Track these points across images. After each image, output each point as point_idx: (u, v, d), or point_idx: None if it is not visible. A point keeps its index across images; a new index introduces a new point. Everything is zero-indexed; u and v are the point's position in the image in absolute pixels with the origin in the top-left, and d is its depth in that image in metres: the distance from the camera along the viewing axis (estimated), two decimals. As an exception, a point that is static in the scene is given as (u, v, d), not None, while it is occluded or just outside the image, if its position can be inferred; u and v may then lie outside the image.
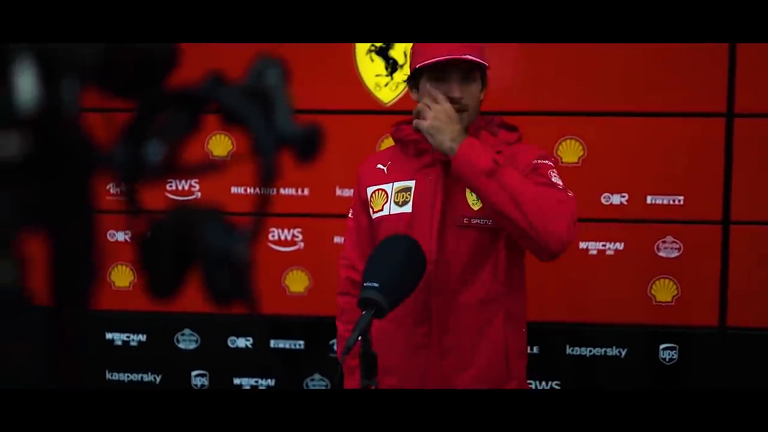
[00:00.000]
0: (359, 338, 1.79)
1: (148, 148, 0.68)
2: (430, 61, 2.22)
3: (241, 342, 3.38)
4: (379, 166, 2.36)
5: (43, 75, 0.56)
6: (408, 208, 2.27)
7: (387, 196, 2.31)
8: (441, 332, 2.27)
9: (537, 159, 2.26)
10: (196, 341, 3.40)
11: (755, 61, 3.11)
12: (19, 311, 0.52)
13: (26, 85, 0.53)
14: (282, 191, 3.26)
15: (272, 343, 3.37)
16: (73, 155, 0.60)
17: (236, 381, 3.41)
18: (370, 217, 2.35)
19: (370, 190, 2.35)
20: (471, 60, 2.20)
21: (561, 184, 2.22)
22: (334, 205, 3.25)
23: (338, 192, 3.26)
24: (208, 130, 0.74)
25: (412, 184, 2.29)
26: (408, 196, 2.28)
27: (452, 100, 2.21)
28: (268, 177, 0.75)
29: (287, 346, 3.37)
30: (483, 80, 2.30)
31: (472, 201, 2.26)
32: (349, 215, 2.44)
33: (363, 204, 2.37)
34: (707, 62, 3.13)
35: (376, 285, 1.86)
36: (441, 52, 2.22)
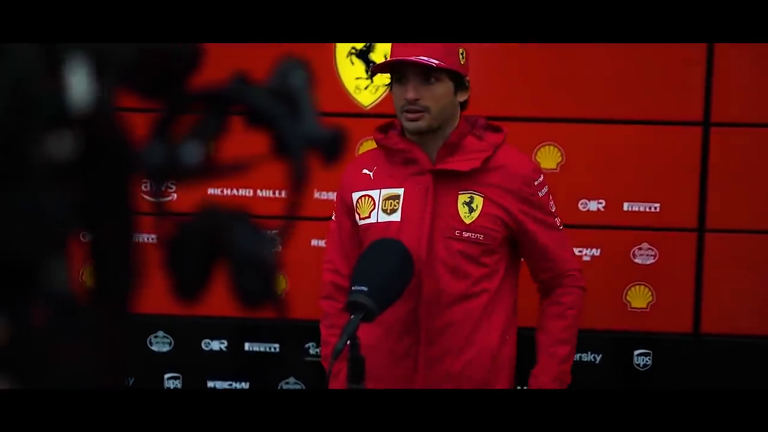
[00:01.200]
0: (348, 342, 1.79)
1: (185, 150, 0.67)
2: (382, 63, 2.29)
3: (215, 345, 3.36)
4: (365, 171, 2.35)
5: (91, 74, 0.55)
6: (396, 217, 2.26)
7: (374, 203, 2.30)
8: (428, 342, 2.26)
9: (539, 191, 2.34)
10: (170, 344, 3.37)
11: (732, 71, 3.15)
12: (73, 312, 0.51)
13: (79, 84, 0.52)
14: (259, 193, 3.24)
15: (247, 346, 3.35)
16: (117, 156, 0.59)
17: (210, 384, 3.38)
18: (355, 221, 2.34)
19: (356, 195, 2.34)
20: (421, 62, 2.20)
21: (556, 211, 2.40)
22: (312, 208, 3.23)
23: (316, 195, 3.25)
24: (233, 131, 0.73)
25: (400, 192, 2.28)
26: (396, 204, 2.27)
27: (407, 101, 2.22)
28: (299, 179, 0.75)
29: (262, 349, 3.35)
30: (458, 82, 2.29)
31: (464, 214, 2.26)
32: (332, 218, 2.42)
33: (347, 208, 2.36)
34: (685, 72, 3.16)
35: (364, 289, 1.85)
36: (396, 53, 2.25)
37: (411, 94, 2.22)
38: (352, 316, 1.82)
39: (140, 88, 0.72)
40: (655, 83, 3.16)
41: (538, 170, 2.39)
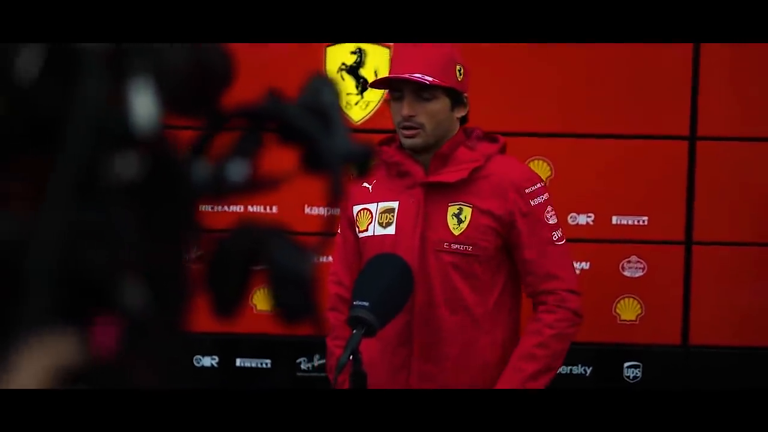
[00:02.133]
0: (350, 357, 1.79)
1: (230, 167, 0.68)
2: (378, 80, 2.32)
3: (207, 361, 3.35)
4: (365, 184, 2.36)
5: (154, 95, 0.56)
6: (391, 230, 2.27)
7: (372, 216, 2.31)
8: (421, 355, 2.27)
9: (531, 199, 2.28)
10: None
11: (717, 87, 3.19)
12: (144, 331, 0.52)
13: (144, 104, 0.53)
14: (250, 209, 3.25)
15: (238, 362, 3.35)
16: (176, 176, 0.59)
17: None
18: (356, 234, 2.35)
19: (356, 209, 2.36)
20: (414, 80, 2.22)
21: (555, 224, 2.32)
22: (303, 224, 3.24)
23: (307, 210, 3.26)
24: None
25: (395, 205, 2.30)
26: (391, 218, 2.29)
27: (403, 118, 2.24)
28: (337, 195, 0.76)
29: (253, 365, 3.34)
30: (455, 98, 2.30)
31: (453, 225, 2.27)
32: (338, 231, 2.44)
33: (349, 221, 2.38)
34: (671, 86, 3.20)
35: (366, 304, 1.86)
36: (393, 70, 2.27)
37: (406, 111, 2.24)
38: (354, 331, 1.83)
39: (178, 106, 0.73)
40: (642, 98, 3.20)
41: (533, 179, 2.36)
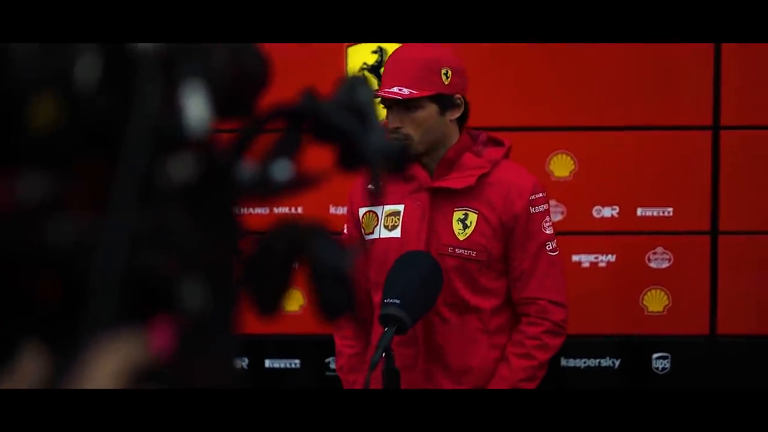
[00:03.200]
0: (383, 355, 1.80)
1: (275, 167, 0.69)
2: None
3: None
4: (369, 186, 2.36)
5: (206, 97, 0.57)
6: (397, 233, 2.28)
7: (377, 219, 2.32)
8: (427, 357, 2.27)
9: (532, 206, 2.28)
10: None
11: (740, 75, 3.18)
12: (206, 332, 0.53)
13: (196, 107, 0.54)
14: (275, 210, 3.26)
15: (267, 363, 3.36)
16: (227, 177, 0.61)
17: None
18: (363, 235, 2.36)
19: (362, 211, 2.37)
20: (387, 96, 2.23)
21: (551, 235, 2.30)
22: (329, 224, 3.25)
23: (332, 210, 3.27)
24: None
25: (401, 208, 2.30)
26: (397, 221, 2.30)
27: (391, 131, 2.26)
28: (377, 193, 0.77)
29: (283, 366, 3.36)
30: (442, 102, 2.28)
31: (458, 230, 2.28)
32: (344, 231, 2.45)
33: (355, 222, 2.39)
34: (693, 76, 3.19)
35: (397, 301, 1.87)
36: (381, 84, 2.30)
37: (391, 123, 2.27)
38: (385, 329, 1.84)
39: (224, 109, 0.75)
40: (664, 89, 3.19)
41: (536, 187, 2.34)
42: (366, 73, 3.23)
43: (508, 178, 2.31)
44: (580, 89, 3.21)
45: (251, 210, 0.77)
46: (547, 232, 2.32)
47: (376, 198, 0.77)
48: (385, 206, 2.33)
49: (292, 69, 3.03)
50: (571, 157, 3.23)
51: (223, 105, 0.76)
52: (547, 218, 2.33)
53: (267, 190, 0.69)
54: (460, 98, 2.31)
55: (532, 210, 2.29)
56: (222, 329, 0.59)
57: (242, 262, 0.75)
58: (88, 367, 0.47)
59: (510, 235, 2.30)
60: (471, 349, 2.28)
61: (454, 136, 2.33)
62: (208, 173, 0.57)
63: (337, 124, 0.77)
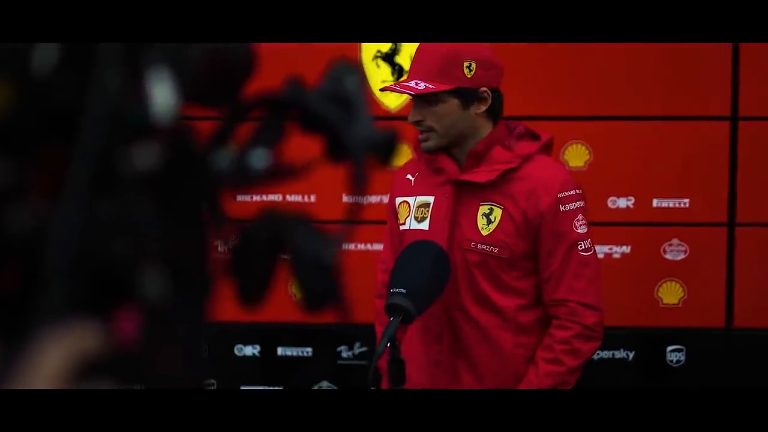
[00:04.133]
0: (388, 345, 1.80)
1: (253, 156, 0.68)
2: (385, 89, 2.35)
3: (248, 350, 3.38)
4: (408, 176, 2.36)
5: (172, 84, 0.56)
6: (425, 225, 2.26)
7: (409, 210, 2.31)
8: (451, 354, 2.24)
9: (561, 204, 2.20)
10: (204, 350, 3.39)
11: (759, 65, 3.14)
12: (166, 321, 0.52)
13: (162, 94, 0.53)
14: (288, 198, 3.26)
15: (279, 351, 3.37)
16: (196, 165, 0.60)
17: (244, 389, 3.40)
18: (398, 225, 2.36)
19: (398, 200, 2.36)
20: (400, 92, 2.24)
21: (584, 234, 2.22)
22: (342, 212, 3.25)
23: (345, 199, 3.26)
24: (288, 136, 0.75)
25: (431, 200, 2.28)
26: (426, 213, 2.27)
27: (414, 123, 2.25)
28: (361, 182, 0.76)
29: (295, 354, 3.37)
30: (464, 96, 2.24)
31: (482, 225, 2.23)
32: (387, 221, 2.46)
33: (393, 211, 2.38)
34: (711, 66, 3.15)
35: (403, 291, 1.86)
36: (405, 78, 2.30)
37: (412, 117, 2.25)
38: (391, 319, 1.83)
39: (200, 97, 0.74)
40: (682, 79, 3.16)
41: (567, 183, 2.27)
42: (380, 61, 3.22)
43: (538, 174, 2.25)
44: (596, 79, 3.18)
45: (235, 198, 0.76)
46: (580, 231, 2.22)
47: (359, 190, 0.76)
48: (417, 197, 2.31)
49: (299, 56, 3.02)
50: (586, 147, 3.21)
51: (203, 93, 0.75)
52: (580, 216, 2.24)
53: (244, 179, 0.68)
54: (486, 91, 2.25)
55: (561, 208, 2.22)
56: (187, 318, 0.59)
57: (226, 251, 0.75)
58: (36, 356, 0.46)
59: (537, 234, 2.23)
60: (494, 347, 2.24)
61: (485, 128, 2.27)
62: (177, 161, 0.56)
63: (320, 114, 0.76)
